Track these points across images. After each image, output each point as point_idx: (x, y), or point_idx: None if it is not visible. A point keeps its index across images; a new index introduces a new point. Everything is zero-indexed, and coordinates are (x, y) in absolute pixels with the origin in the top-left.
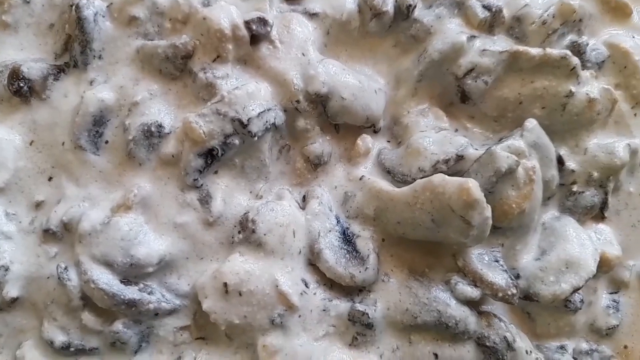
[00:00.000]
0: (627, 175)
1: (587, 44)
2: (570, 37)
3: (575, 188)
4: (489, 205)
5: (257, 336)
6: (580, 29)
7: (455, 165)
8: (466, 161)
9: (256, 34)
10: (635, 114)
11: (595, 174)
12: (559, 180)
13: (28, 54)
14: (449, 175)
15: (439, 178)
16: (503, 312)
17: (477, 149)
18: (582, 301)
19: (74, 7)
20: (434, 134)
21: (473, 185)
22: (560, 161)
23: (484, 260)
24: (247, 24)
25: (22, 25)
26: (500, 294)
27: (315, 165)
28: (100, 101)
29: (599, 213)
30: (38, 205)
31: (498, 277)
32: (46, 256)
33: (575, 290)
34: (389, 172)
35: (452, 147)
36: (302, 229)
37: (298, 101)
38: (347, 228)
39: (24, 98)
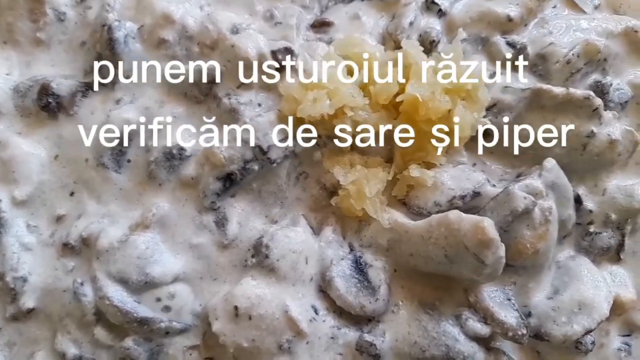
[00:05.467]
0: None
1: (611, 84)
2: (594, 77)
3: (592, 228)
4: (503, 245)
5: None
6: (605, 69)
7: (472, 202)
8: (483, 198)
9: (281, 62)
10: None
11: (613, 216)
12: (575, 220)
13: (59, 70)
14: (464, 211)
15: (455, 214)
16: (512, 350)
17: (494, 185)
18: (593, 343)
19: (106, 27)
20: (452, 169)
21: (488, 225)
22: (578, 201)
23: (495, 298)
24: (274, 53)
25: (55, 42)
26: (510, 333)
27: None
28: (125, 121)
29: (614, 255)
30: (59, 219)
31: (509, 316)
32: (64, 269)
33: (587, 332)
34: (404, 204)
35: (469, 183)
36: (314, 256)
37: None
38: (360, 257)
39: (52, 113)
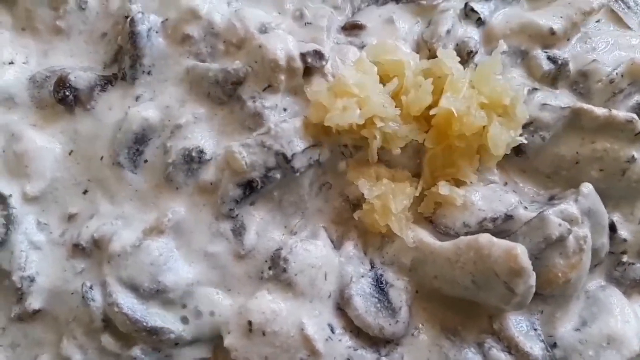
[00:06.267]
0: None
1: None
2: (637, 98)
3: (625, 258)
4: (534, 273)
5: None
6: None
7: (503, 225)
8: (515, 222)
9: (310, 66)
10: None
11: None
12: (608, 248)
13: (77, 61)
14: (494, 234)
15: (485, 239)
16: None
17: (526, 207)
18: None
19: (128, 19)
20: (483, 188)
21: (522, 252)
22: (612, 228)
23: (521, 327)
24: (303, 56)
25: (75, 31)
26: None
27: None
28: (144, 119)
29: None
30: (71, 217)
31: (535, 347)
32: (73, 271)
33: None
34: (430, 222)
35: (501, 205)
36: (334, 272)
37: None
38: (381, 275)
39: (69, 107)
